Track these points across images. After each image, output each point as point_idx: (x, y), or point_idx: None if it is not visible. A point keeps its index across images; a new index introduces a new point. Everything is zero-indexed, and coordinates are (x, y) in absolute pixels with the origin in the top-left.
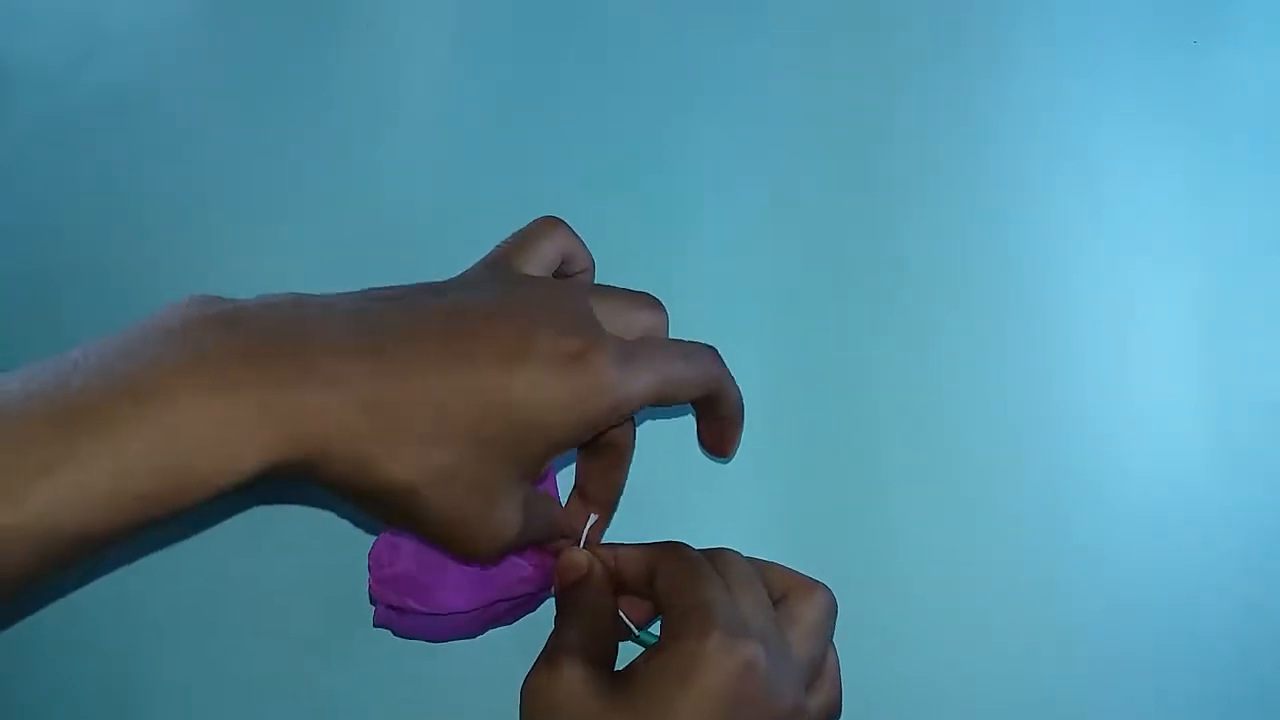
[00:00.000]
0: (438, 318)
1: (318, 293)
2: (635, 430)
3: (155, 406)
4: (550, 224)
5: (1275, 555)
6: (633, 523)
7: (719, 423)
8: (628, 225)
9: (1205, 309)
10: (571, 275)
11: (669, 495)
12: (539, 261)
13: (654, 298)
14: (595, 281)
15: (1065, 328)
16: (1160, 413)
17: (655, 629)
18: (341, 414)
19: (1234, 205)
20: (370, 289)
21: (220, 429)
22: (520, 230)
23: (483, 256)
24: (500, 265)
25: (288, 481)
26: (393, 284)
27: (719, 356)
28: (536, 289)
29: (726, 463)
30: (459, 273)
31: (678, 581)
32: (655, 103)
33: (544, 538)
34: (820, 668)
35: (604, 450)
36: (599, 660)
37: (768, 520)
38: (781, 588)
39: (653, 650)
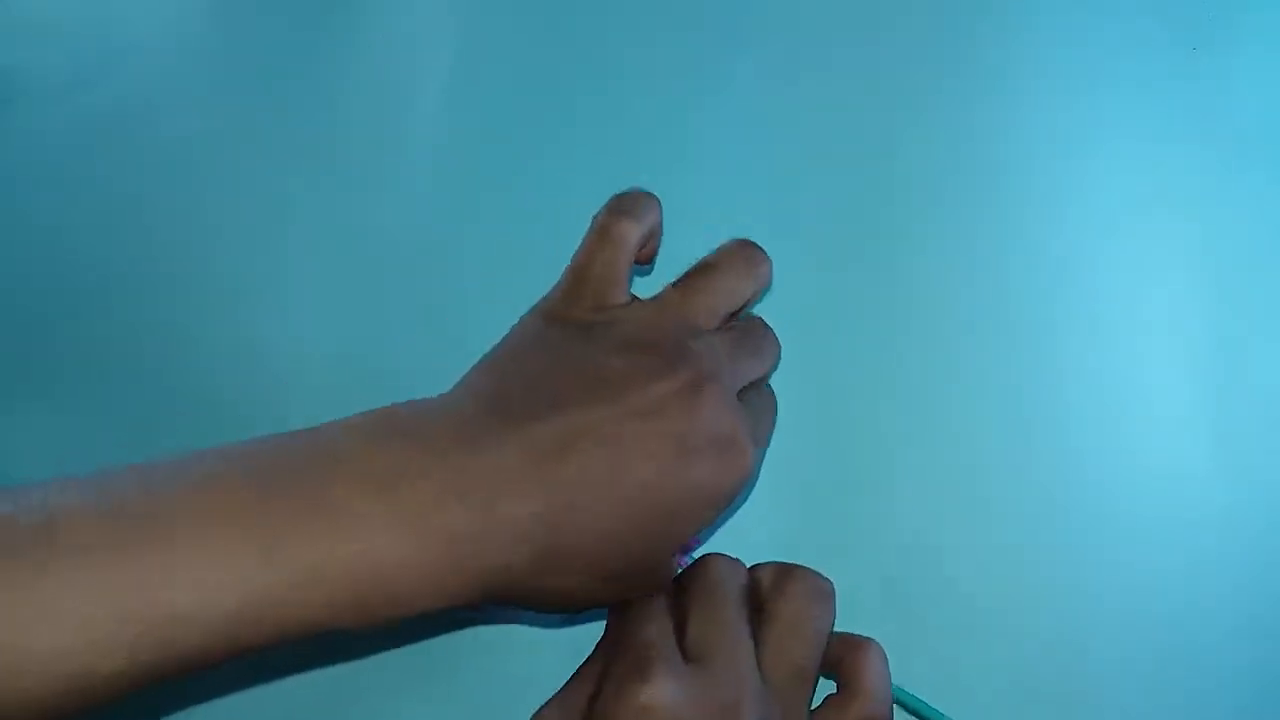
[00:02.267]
0: (590, 433)
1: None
2: None
3: (360, 531)
4: (610, 227)
5: (1278, 558)
6: None
7: None
8: None
9: (1206, 312)
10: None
11: None
12: (620, 280)
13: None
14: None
15: (1067, 330)
16: (1162, 415)
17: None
18: (521, 543)
19: (1234, 209)
20: (506, 395)
21: (414, 557)
22: (590, 241)
23: (554, 296)
24: (599, 319)
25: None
26: (403, 300)
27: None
28: (648, 357)
29: None
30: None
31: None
32: (659, 109)
33: None
34: None
35: None
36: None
37: (772, 523)
38: (836, 653)
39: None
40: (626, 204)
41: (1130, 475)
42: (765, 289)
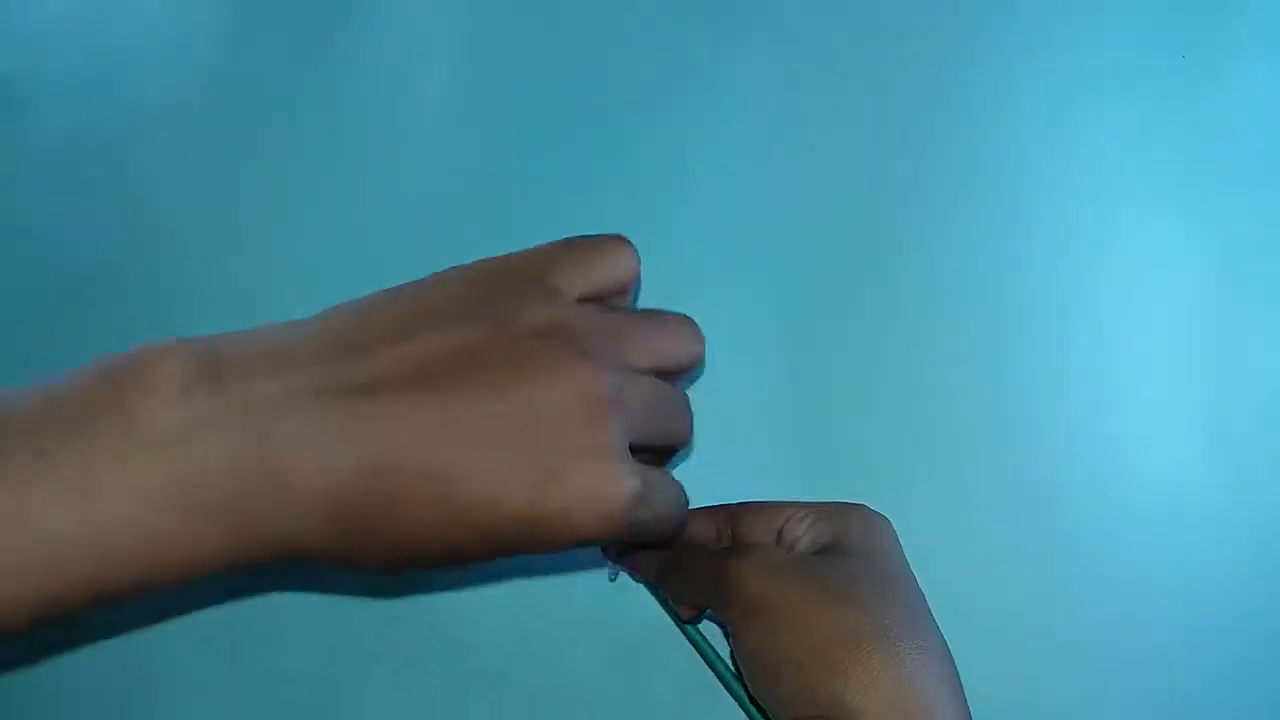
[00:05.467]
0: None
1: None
2: None
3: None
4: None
5: (1275, 558)
6: None
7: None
8: (631, 225)
9: (1201, 314)
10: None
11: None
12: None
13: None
14: None
15: (1061, 331)
16: (1159, 415)
17: None
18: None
19: (1226, 212)
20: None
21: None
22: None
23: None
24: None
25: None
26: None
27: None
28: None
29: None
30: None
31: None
32: (664, 105)
33: None
34: None
35: None
36: None
37: None
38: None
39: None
40: None
41: (1126, 477)
42: (688, 364)
